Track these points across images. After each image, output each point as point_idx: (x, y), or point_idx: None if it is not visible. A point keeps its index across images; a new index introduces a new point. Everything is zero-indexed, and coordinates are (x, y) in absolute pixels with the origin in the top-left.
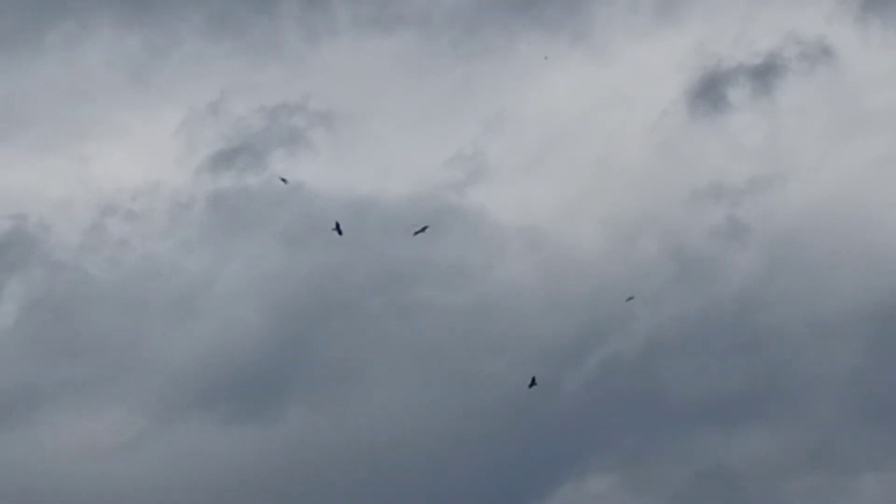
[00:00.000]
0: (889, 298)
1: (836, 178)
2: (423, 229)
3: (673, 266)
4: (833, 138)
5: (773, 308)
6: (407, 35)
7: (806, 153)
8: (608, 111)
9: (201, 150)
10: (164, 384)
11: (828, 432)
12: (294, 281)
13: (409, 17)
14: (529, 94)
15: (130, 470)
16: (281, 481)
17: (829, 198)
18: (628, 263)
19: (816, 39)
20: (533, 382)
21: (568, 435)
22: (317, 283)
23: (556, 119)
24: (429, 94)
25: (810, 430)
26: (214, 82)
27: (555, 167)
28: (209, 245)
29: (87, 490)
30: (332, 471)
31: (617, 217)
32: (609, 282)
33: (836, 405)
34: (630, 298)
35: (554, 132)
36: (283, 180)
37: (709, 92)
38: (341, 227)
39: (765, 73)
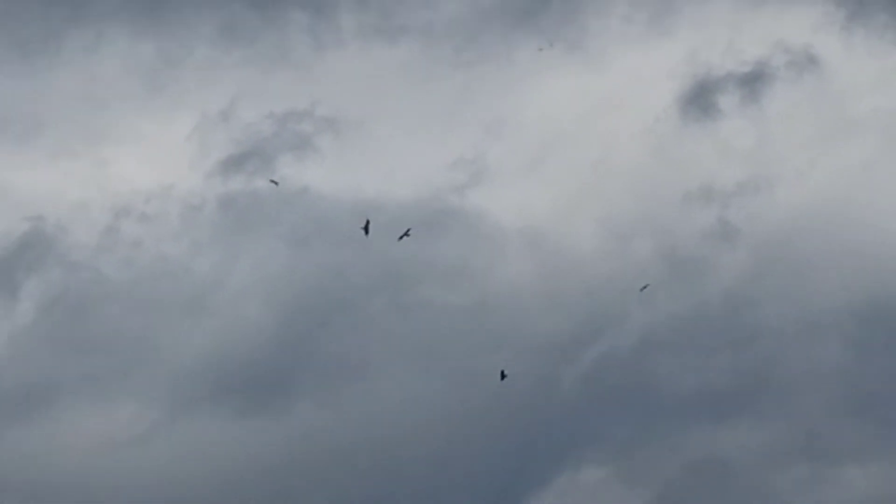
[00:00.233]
0: (872, 297)
1: (822, 182)
2: (407, 233)
3: (666, 265)
4: (819, 143)
5: (762, 306)
6: (410, 44)
7: (793, 157)
8: (604, 117)
9: (212, 155)
10: (176, 379)
11: (814, 425)
12: (300, 280)
13: (411, 27)
14: (528, 101)
15: (143, 461)
16: (288, 472)
17: (816, 200)
18: (623, 263)
19: (803, 48)
20: (503, 376)
21: (564, 427)
22: (322, 282)
23: (553, 124)
24: (431, 100)
25: (797, 423)
26: (225, 89)
27: (552, 170)
28: (219, 246)
29: (102, 480)
30: (336, 462)
31: (612, 218)
32: (605, 280)
33: (822, 399)
34: (644, 287)
35: (551, 137)
36: (274, 182)
37: (700, 98)
38: (369, 227)
39: (753, 81)
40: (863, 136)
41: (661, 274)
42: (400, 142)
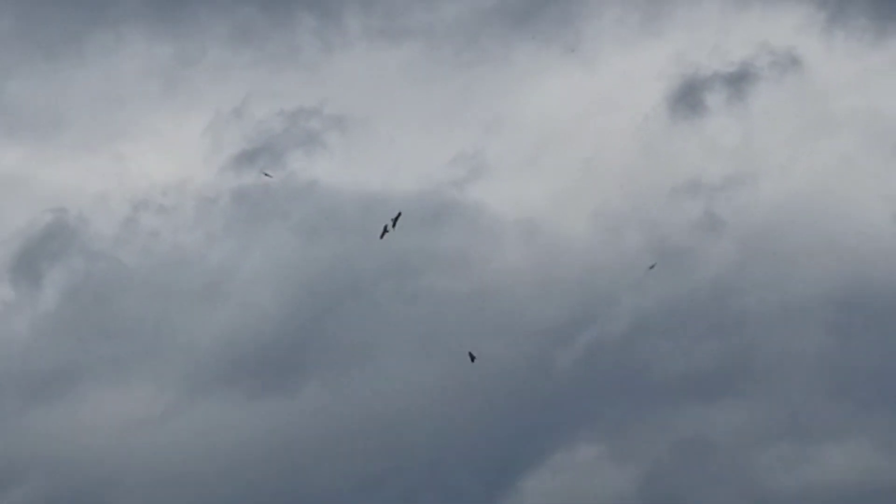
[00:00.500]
0: (852, 285)
1: (804, 176)
2: (385, 231)
3: (655, 255)
4: (801, 140)
5: (746, 294)
6: (413, 45)
7: (776, 153)
8: (596, 115)
9: (226, 150)
10: (192, 363)
11: (795, 406)
12: (309, 269)
13: (415, 29)
14: (525, 100)
15: (160, 440)
16: (297, 450)
17: (798, 194)
18: (615, 253)
19: (786, 49)
20: (472, 358)
21: (559, 408)
22: (331, 271)
23: (549, 122)
24: (433, 99)
25: (779, 404)
26: (238, 88)
27: (548, 165)
28: (232, 236)
29: (121, 457)
30: (343, 440)
31: (604, 211)
32: (597, 269)
33: (803, 381)
34: (652, 266)
35: (547, 134)
36: (267, 175)
37: (688, 97)
38: (388, 228)
39: (739, 81)
40: (842, 133)
41: (650, 263)
42: (403, 138)
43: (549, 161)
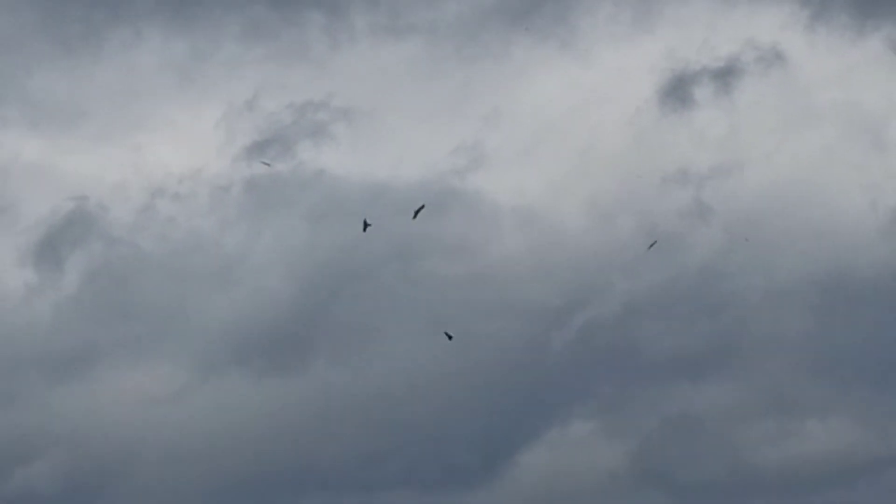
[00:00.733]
0: (833, 269)
1: (788, 166)
2: (366, 226)
3: (646, 241)
4: (785, 131)
5: (733, 277)
6: (416, 41)
7: (761, 144)
8: (590, 108)
9: (238, 141)
10: (205, 343)
11: (780, 384)
12: (318, 254)
13: (418, 26)
14: (522, 93)
15: (176, 416)
16: (305, 426)
17: (782, 183)
18: (608, 239)
19: (771, 46)
20: (449, 337)
21: (554, 386)
22: (337, 256)
23: (545, 114)
24: (435, 92)
25: (765, 383)
26: (249, 82)
27: (544, 156)
28: (245, 223)
29: (139, 433)
30: (350, 416)
31: (598, 199)
32: (591, 254)
33: (787, 361)
34: (653, 244)
35: (543, 126)
36: (266, 163)
37: (677, 91)
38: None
39: (726, 75)
40: (824, 125)
41: (641, 249)
42: (407, 130)
43: (546, 151)
